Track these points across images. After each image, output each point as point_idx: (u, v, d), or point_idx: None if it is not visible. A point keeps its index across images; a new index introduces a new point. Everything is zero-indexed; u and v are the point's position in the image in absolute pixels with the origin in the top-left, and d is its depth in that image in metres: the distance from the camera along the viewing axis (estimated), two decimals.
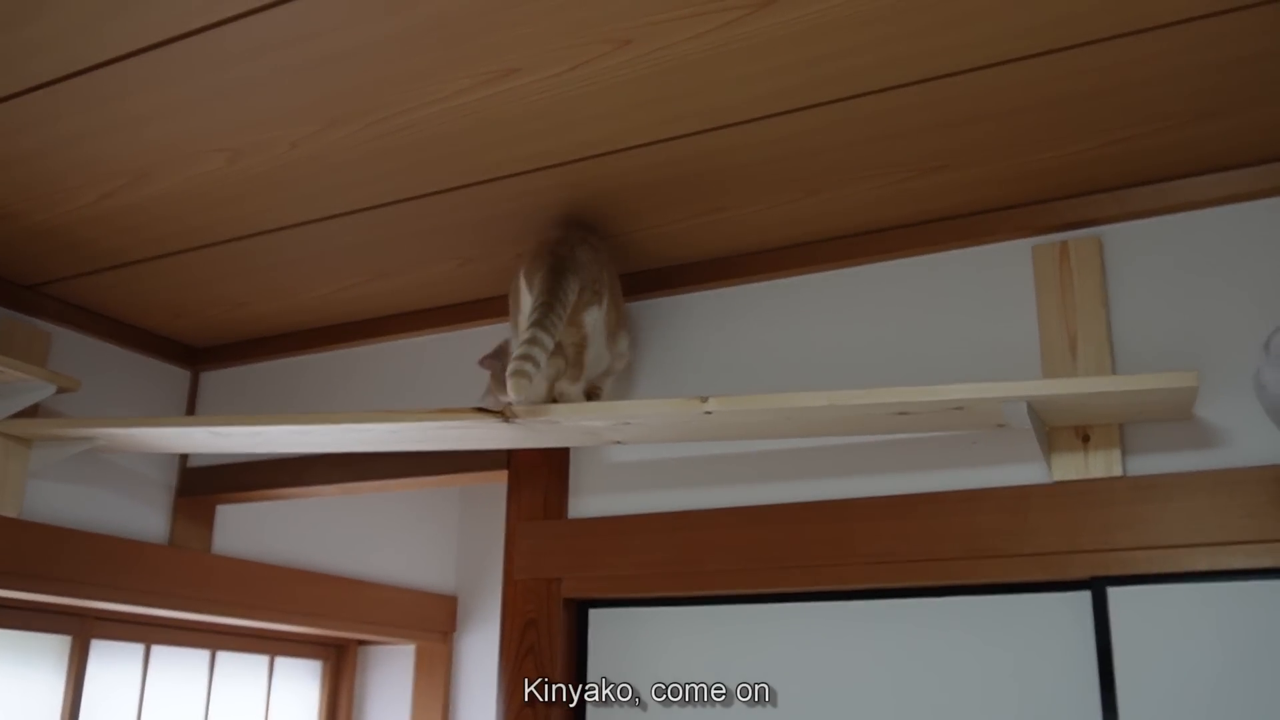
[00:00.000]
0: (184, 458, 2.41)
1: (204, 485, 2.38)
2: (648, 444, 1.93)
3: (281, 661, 3.01)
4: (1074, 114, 1.49)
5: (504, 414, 1.68)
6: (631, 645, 1.88)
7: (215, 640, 2.78)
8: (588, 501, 1.97)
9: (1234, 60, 1.37)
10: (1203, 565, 1.51)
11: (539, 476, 2.00)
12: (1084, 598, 1.59)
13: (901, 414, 1.57)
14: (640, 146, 1.58)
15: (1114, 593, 1.57)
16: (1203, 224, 1.64)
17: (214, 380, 2.47)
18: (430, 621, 3.12)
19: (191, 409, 2.45)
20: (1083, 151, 1.58)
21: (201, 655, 2.78)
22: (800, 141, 1.57)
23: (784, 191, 1.70)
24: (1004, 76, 1.41)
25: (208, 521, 2.45)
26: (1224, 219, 1.63)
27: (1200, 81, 1.41)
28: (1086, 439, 1.61)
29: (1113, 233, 1.69)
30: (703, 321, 1.96)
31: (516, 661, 1.92)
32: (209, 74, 1.43)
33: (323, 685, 3.15)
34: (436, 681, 3.13)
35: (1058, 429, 1.63)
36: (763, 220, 1.79)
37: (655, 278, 1.99)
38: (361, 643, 3.23)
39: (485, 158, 1.62)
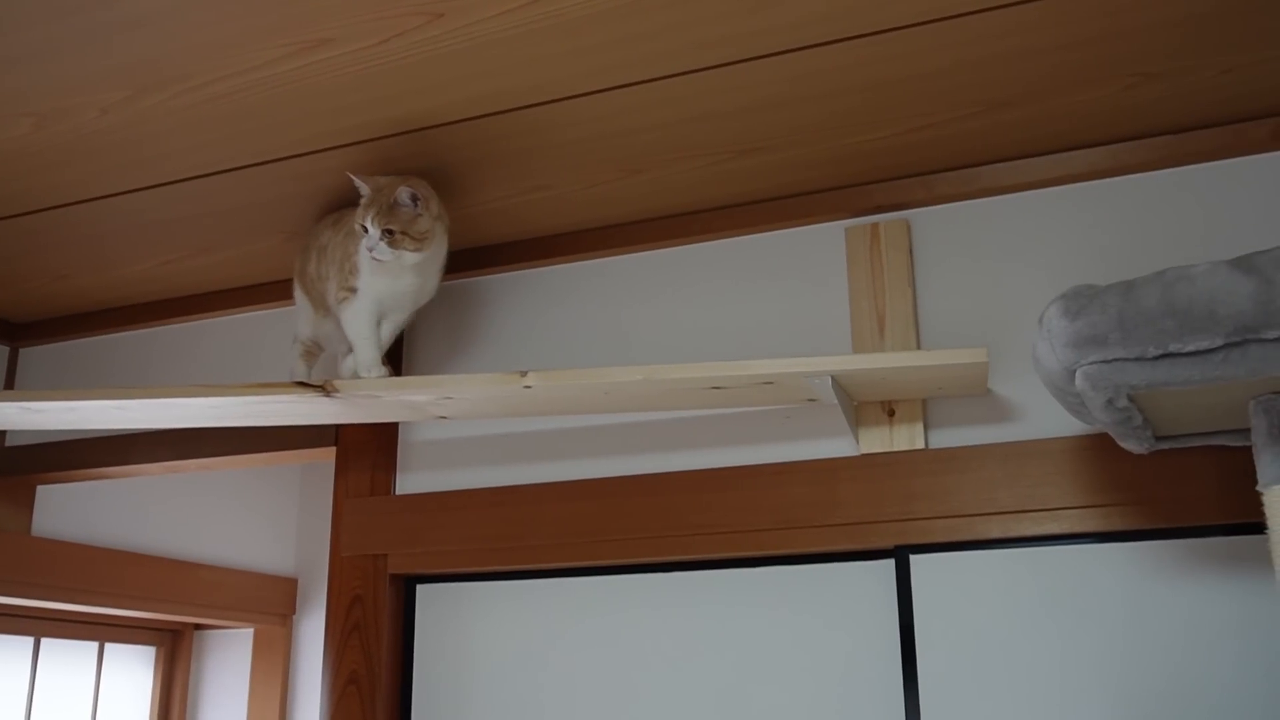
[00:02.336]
0: (0, 436, 2.32)
1: (22, 465, 2.30)
2: (474, 420, 1.93)
3: (112, 648, 2.93)
4: (883, 99, 1.55)
5: (325, 388, 1.67)
6: (458, 620, 1.89)
7: (39, 627, 2.69)
8: (415, 478, 1.97)
9: (1026, 51, 1.44)
10: (996, 533, 1.59)
11: (367, 453, 1.99)
12: (888, 566, 1.66)
13: (715, 389, 1.61)
14: (459, 122, 1.59)
15: (916, 560, 1.64)
16: (1003, 209, 1.72)
17: (34, 357, 2.39)
18: (268, 604, 3.08)
19: (10, 386, 2.37)
20: (893, 136, 1.64)
21: (24, 643, 2.69)
22: (618, 121, 1.59)
23: (604, 170, 1.73)
24: (814, 60, 1.45)
25: (27, 502, 2.37)
26: (1021, 205, 1.71)
27: (998, 71, 1.48)
28: (892, 413, 1.68)
29: (920, 216, 1.76)
30: (526, 300, 1.97)
31: (342, 638, 1.91)
32: (10, 35, 1.38)
33: (156, 672, 3.07)
34: (275, 665, 3.09)
35: (866, 404, 1.69)
36: (584, 199, 1.82)
37: (478, 256, 2.00)
38: (198, 627, 3.17)
39: (303, 130, 1.60)
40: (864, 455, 1.68)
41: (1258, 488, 1.25)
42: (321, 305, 1.85)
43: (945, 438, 1.67)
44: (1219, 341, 1.12)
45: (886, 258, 1.74)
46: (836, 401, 1.60)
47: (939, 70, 1.48)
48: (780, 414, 1.76)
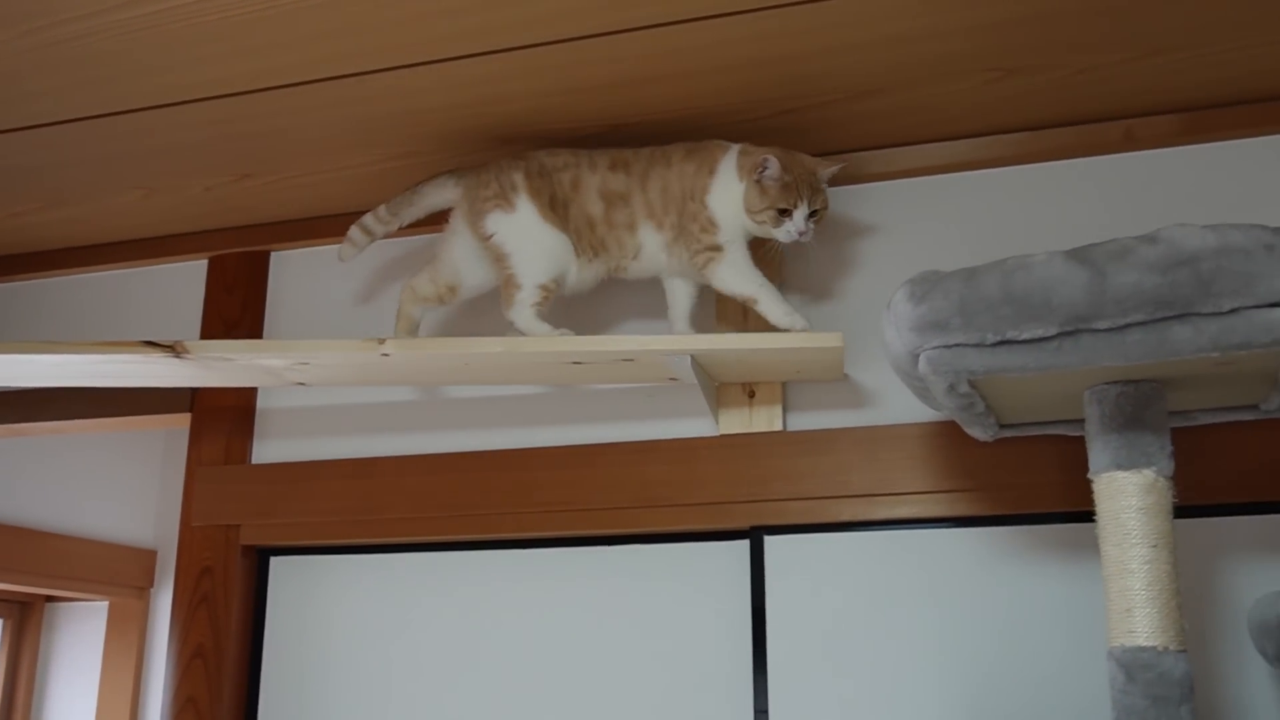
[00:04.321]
0: None
1: None
2: (336, 389, 1.90)
3: None
4: (746, 81, 1.55)
5: (175, 348, 1.61)
6: (313, 594, 1.85)
7: None
8: (273, 447, 1.92)
9: (889, 40, 1.45)
10: (848, 516, 1.62)
11: (223, 420, 1.94)
12: (743, 546, 1.67)
13: (576, 364, 1.60)
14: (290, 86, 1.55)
15: (770, 541, 1.65)
16: (866, 197, 1.74)
17: None
18: (124, 576, 2.98)
19: None
20: (757, 119, 1.64)
21: None
22: (487, 88, 1.57)
23: (468, 141, 1.71)
24: (677, 37, 1.45)
25: None
26: (884, 193, 1.74)
27: (860, 58, 1.49)
28: (752, 395, 1.69)
29: None
30: (391, 268, 1.94)
31: (189, 610, 1.86)
32: None
33: (3, 645, 2.96)
34: (130, 640, 3.00)
35: (726, 385, 1.70)
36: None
37: (343, 223, 1.94)
38: (49, 599, 3.06)
39: (156, 80, 1.54)
40: (723, 436, 1.69)
41: (1089, 475, 1.29)
42: (588, 250, 1.65)
43: (803, 421, 1.69)
44: (1053, 330, 1.15)
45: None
46: (696, 381, 1.60)
47: (802, 54, 1.48)
48: (643, 392, 1.76)
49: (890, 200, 1.73)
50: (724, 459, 1.67)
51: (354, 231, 1.75)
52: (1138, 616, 1.21)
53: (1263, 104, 1.61)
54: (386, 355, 1.59)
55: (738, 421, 1.69)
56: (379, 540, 1.82)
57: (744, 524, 1.66)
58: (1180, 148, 1.64)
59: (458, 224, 1.69)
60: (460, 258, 1.70)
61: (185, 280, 2.05)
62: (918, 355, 1.23)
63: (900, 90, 1.57)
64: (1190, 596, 1.48)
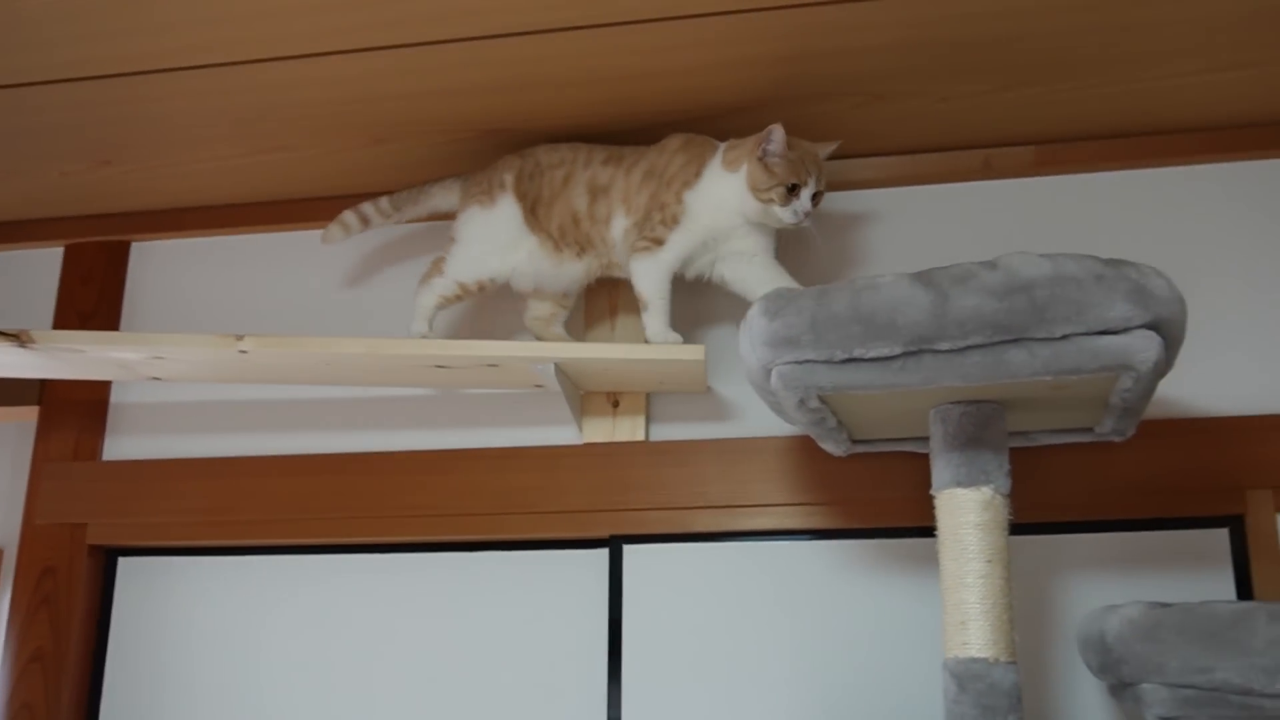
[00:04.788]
0: None
1: None
2: (193, 385, 1.86)
3: None
4: (617, 94, 1.56)
5: (20, 337, 1.56)
6: (162, 596, 1.80)
7: None
8: (125, 443, 1.87)
9: (760, 59, 1.48)
10: (706, 527, 1.63)
11: (73, 414, 1.88)
12: (602, 555, 1.68)
13: (440, 367, 1.59)
14: (176, 70, 1.52)
15: (629, 550, 1.66)
16: None
17: None
18: None
19: None
20: (634, 132, 1.66)
21: None
22: (365, 85, 1.55)
23: (347, 136, 1.69)
24: (555, 45, 1.46)
25: None
26: None
27: (731, 76, 1.52)
28: (617, 405, 1.70)
29: None
30: (258, 264, 1.91)
31: (29, 612, 1.79)
32: None
33: None
34: None
35: (592, 394, 1.71)
36: (326, 165, 1.77)
37: (213, 215, 1.93)
38: None
39: (3, 61, 1.49)
40: (587, 444, 1.69)
41: (931, 492, 1.33)
42: (573, 246, 1.63)
43: (666, 431, 1.70)
44: (898, 349, 1.18)
45: None
46: (561, 389, 1.61)
47: (675, 69, 1.50)
48: (509, 399, 1.76)
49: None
50: (586, 467, 1.68)
51: (348, 215, 1.72)
52: (971, 629, 1.25)
53: (1111, 140, 1.68)
54: (244, 352, 1.56)
55: (601, 430, 1.70)
56: (234, 542, 1.77)
57: (604, 533, 1.66)
58: (1035, 178, 1.71)
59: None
60: None
61: (39, 268, 1.98)
62: (770, 370, 1.26)
63: (769, 109, 1.60)
64: (1026, 611, 1.53)
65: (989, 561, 1.26)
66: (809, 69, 1.50)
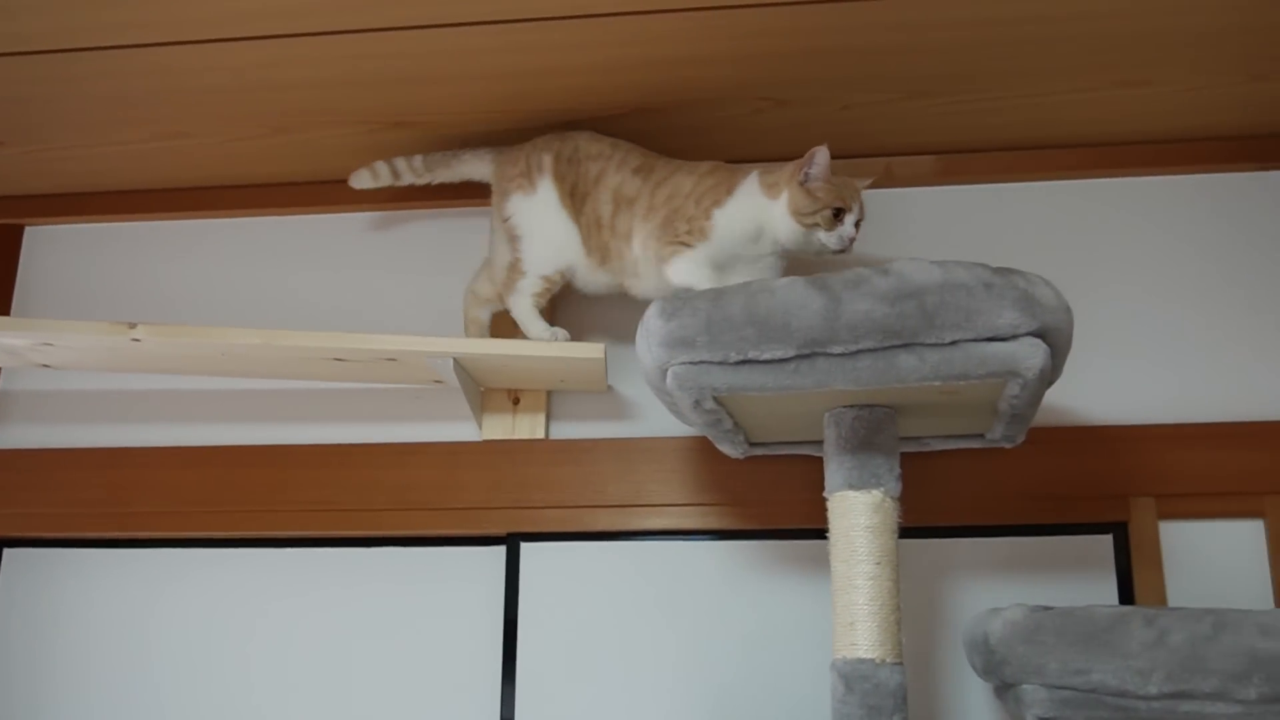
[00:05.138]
0: None
1: None
2: (86, 374, 1.81)
3: None
4: (527, 89, 1.56)
5: None
6: (50, 588, 1.75)
7: None
8: (13, 431, 1.82)
9: (660, 61, 1.49)
10: (604, 526, 1.64)
11: None
12: (499, 552, 1.67)
13: (338, 360, 1.57)
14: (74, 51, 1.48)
15: (526, 548, 1.66)
16: None
17: None
18: None
19: None
20: (536, 129, 1.65)
21: None
22: (266, 72, 1.53)
23: (249, 125, 1.66)
24: (465, 39, 1.45)
25: None
26: None
27: (634, 76, 1.52)
28: (517, 402, 1.70)
29: None
30: (157, 252, 1.87)
31: None
32: None
33: None
34: None
35: (492, 391, 1.70)
36: (227, 153, 1.74)
37: (109, 200, 1.88)
38: None
39: None
40: (486, 441, 1.69)
41: (824, 494, 1.34)
42: (595, 252, 1.58)
43: (566, 430, 1.70)
44: (791, 352, 1.19)
45: None
46: (460, 385, 1.60)
47: (578, 68, 1.50)
48: (409, 394, 1.74)
49: None
50: (485, 464, 1.67)
51: (380, 164, 1.67)
52: (859, 630, 1.27)
53: (1010, 152, 1.71)
54: (138, 340, 1.53)
55: (501, 428, 1.69)
56: (125, 534, 1.73)
57: (502, 530, 1.66)
58: (936, 187, 1.74)
59: (493, 212, 1.64)
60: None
61: None
62: (666, 370, 1.26)
63: (673, 111, 1.60)
64: (917, 613, 1.56)
65: (878, 564, 1.28)
66: (709, 73, 1.51)
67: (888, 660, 1.26)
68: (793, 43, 1.45)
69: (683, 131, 1.65)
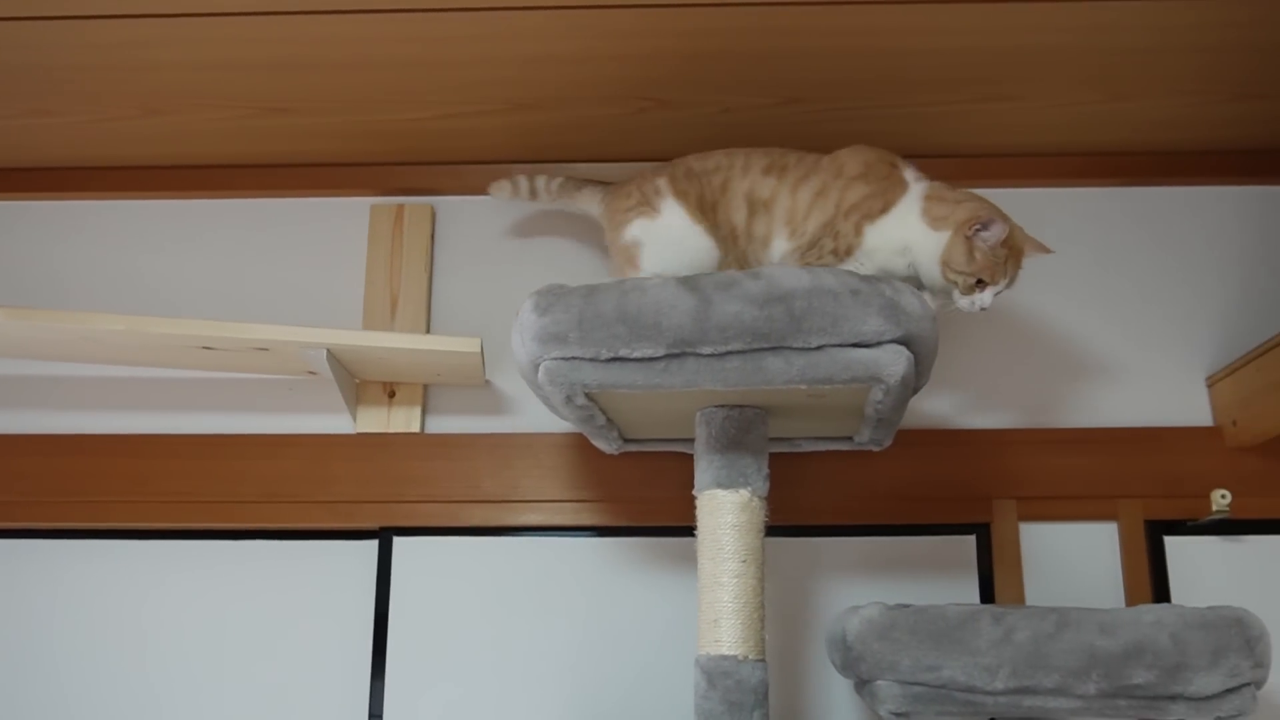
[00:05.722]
0: None
1: None
2: None
3: None
4: (410, 80, 1.55)
5: None
6: None
7: None
8: None
9: (547, 58, 1.49)
10: (478, 521, 1.63)
11: None
12: (371, 546, 1.66)
13: (208, 349, 1.54)
14: None
15: (399, 542, 1.64)
16: (524, 208, 1.77)
17: None
18: None
19: None
20: (419, 120, 1.64)
21: None
22: (137, 52, 1.49)
23: (119, 105, 1.61)
24: (344, 26, 1.43)
25: None
26: (534, 208, 1.76)
27: (519, 72, 1.52)
28: (393, 395, 1.68)
29: (446, 204, 1.78)
30: (25, 233, 1.80)
31: None
32: None
33: None
34: None
35: (368, 383, 1.68)
36: (96, 133, 1.69)
37: None
38: None
39: None
40: (360, 434, 1.67)
41: (693, 492, 1.36)
42: (731, 264, 1.47)
43: (442, 424, 1.69)
44: (661, 351, 1.20)
45: (408, 240, 1.74)
46: (333, 376, 1.57)
47: (460, 61, 1.50)
48: (283, 385, 1.71)
49: (548, 213, 1.77)
50: (359, 457, 1.65)
51: (521, 179, 1.62)
52: (723, 627, 1.29)
53: None
54: None
55: (376, 421, 1.67)
56: None
57: (374, 524, 1.64)
58: None
59: (610, 247, 1.55)
60: None
61: None
62: (539, 365, 1.26)
63: (555, 108, 1.61)
64: (785, 611, 1.59)
65: (744, 562, 1.30)
66: (593, 71, 1.52)
67: (750, 657, 1.28)
68: (673, 44, 1.46)
69: (565, 129, 1.66)
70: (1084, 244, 1.75)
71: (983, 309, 1.35)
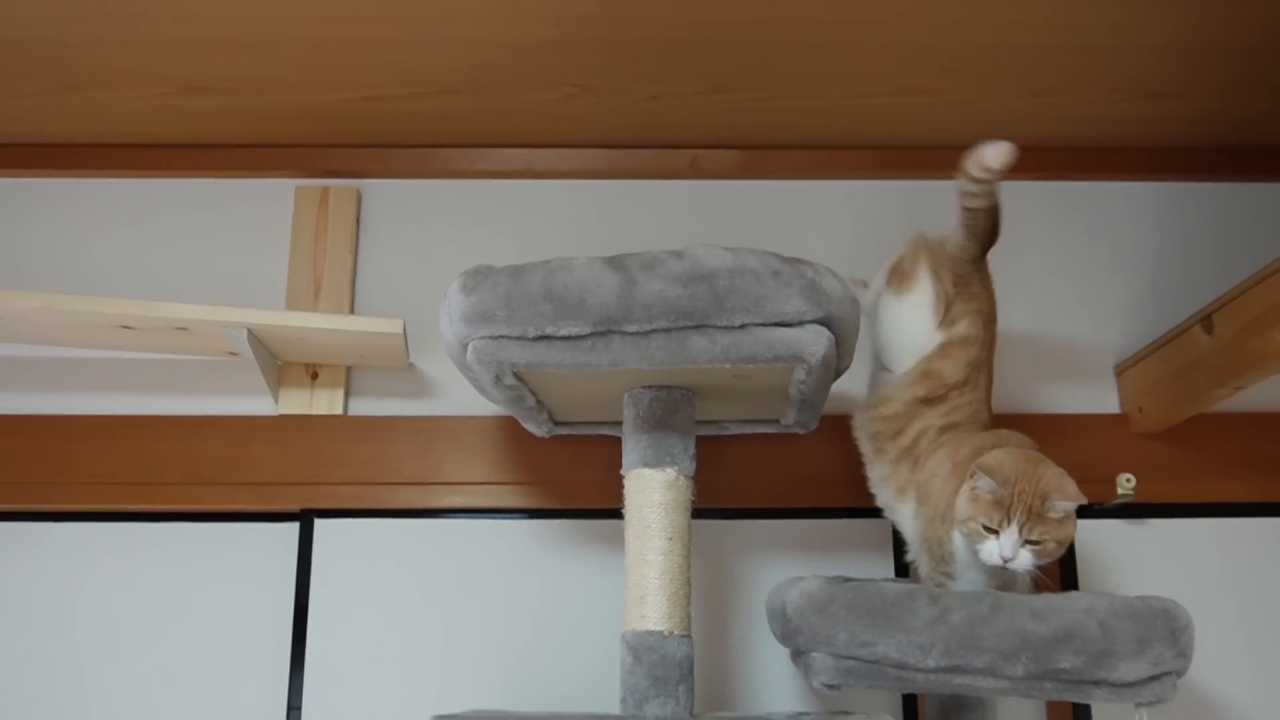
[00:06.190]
0: None
1: None
2: None
3: None
4: (334, 60, 1.54)
5: None
6: None
7: None
8: None
9: (475, 42, 1.50)
10: (401, 503, 1.63)
11: None
12: (293, 529, 1.65)
13: (127, 328, 1.52)
14: None
15: (320, 525, 1.63)
16: (451, 193, 1.77)
17: None
18: None
19: None
20: (345, 101, 1.64)
21: None
22: (56, 27, 1.46)
23: (36, 81, 1.58)
24: (264, 5, 1.42)
25: None
26: (468, 191, 1.77)
27: (446, 55, 1.53)
28: (315, 377, 1.67)
29: (371, 187, 1.77)
30: None
31: None
32: None
33: None
34: None
35: (290, 365, 1.67)
36: (13, 110, 1.66)
37: None
38: None
39: None
40: (282, 416, 1.66)
41: (621, 471, 1.37)
42: None
43: (366, 406, 1.69)
44: (587, 329, 1.22)
45: (333, 223, 1.73)
46: (254, 356, 1.56)
47: (387, 42, 1.50)
48: (203, 367, 1.69)
49: (475, 198, 1.77)
50: (280, 439, 1.64)
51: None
52: (649, 603, 1.30)
53: (810, 151, 1.78)
54: None
55: (298, 403, 1.66)
56: None
57: (295, 506, 1.63)
58: (739, 181, 1.79)
59: None
60: None
61: None
62: (467, 345, 1.27)
63: (483, 92, 1.61)
64: (712, 590, 1.61)
65: (670, 539, 1.32)
66: (521, 56, 1.53)
67: (676, 633, 1.30)
68: (600, 31, 1.47)
69: (492, 114, 1.66)
70: (1000, 236, 1.79)
71: (1006, 560, 1.26)
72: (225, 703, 1.58)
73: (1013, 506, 1.25)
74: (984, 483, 1.26)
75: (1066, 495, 1.25)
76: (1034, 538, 1.25)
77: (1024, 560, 1.25)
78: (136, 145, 1.75)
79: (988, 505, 1.26)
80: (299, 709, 1.57)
